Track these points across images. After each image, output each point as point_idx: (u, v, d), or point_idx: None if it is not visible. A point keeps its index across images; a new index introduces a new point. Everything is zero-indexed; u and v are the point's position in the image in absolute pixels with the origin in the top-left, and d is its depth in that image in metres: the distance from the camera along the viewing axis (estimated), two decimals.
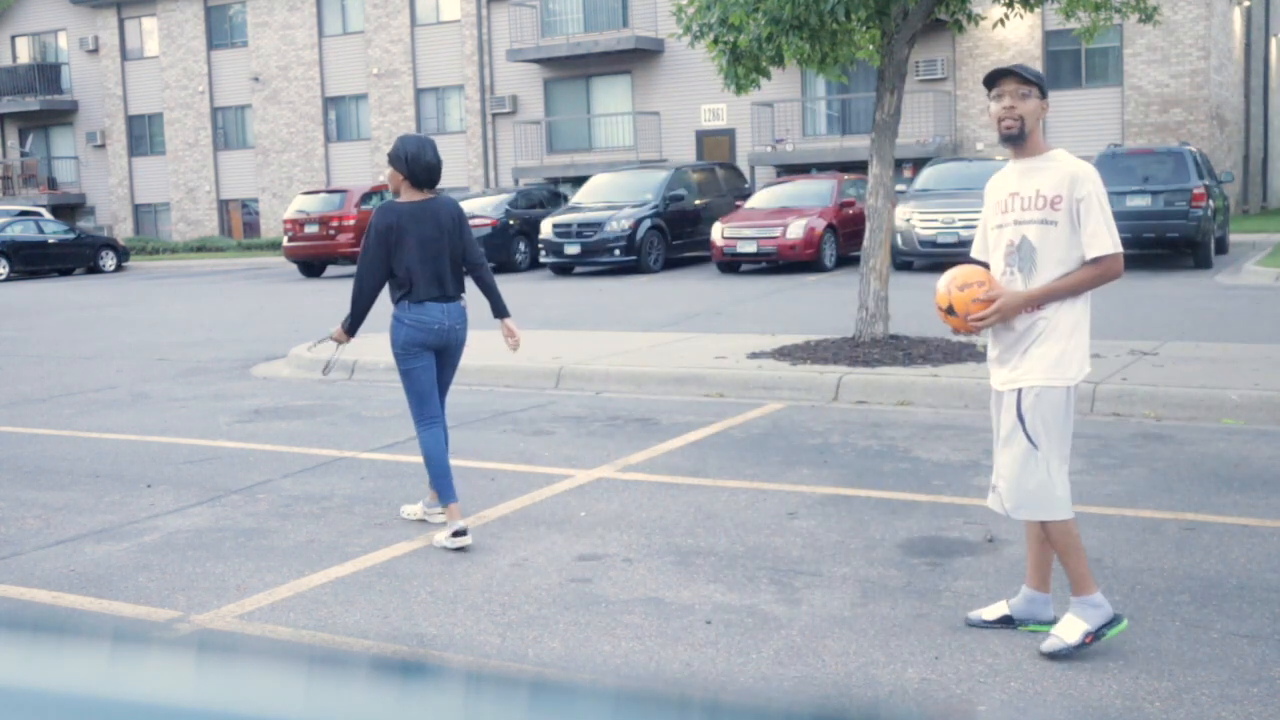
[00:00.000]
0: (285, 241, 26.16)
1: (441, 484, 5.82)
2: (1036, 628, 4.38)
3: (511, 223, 24.36)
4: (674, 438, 7.91)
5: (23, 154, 43.10)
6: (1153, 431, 7.64)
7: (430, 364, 5.89)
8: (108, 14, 41.06)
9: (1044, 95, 4.29)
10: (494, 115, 35.11)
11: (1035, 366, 4.23)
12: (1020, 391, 4.24)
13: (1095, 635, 4.14)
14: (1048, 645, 4.16)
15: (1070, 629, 4.16)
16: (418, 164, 5.75)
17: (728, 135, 32.30)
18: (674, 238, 22.87)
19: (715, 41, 10.79)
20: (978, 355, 9.78)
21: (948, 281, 4.33)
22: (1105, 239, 4.19)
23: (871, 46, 11.14)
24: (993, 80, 4.28)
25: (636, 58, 32.79)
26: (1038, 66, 28.86)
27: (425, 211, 5.83)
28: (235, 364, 12.29)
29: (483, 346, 11.81)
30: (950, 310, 4.31)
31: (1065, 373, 4.21)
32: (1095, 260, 4.19)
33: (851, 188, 21.71)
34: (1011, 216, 4.29)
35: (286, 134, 38.32)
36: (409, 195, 5.84)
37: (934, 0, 10.44)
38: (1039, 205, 4.23)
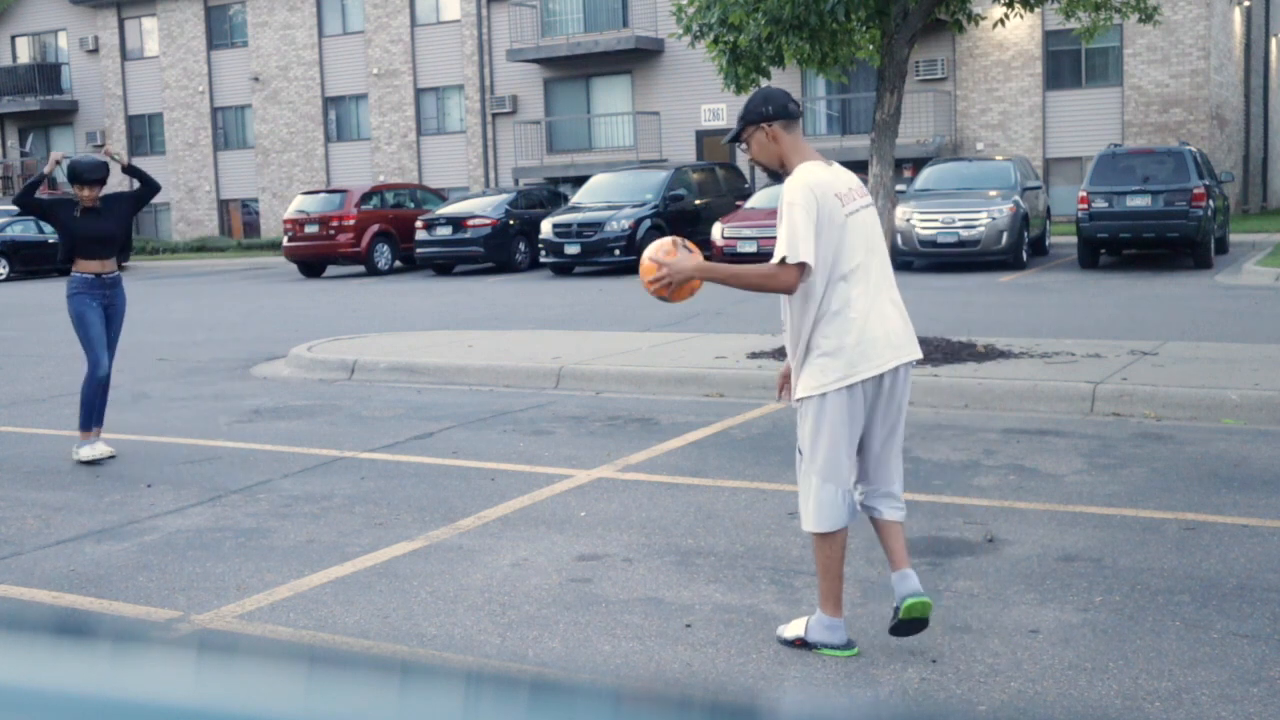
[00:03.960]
0: (285, 241, 26.13)
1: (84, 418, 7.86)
2: (908, 603, 4.41)
3: (511, 223, 24.35)
4: (674, 438, 7.91)
5: (23, 154, 43.09)
6: (1153, 431, 7.64)
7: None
8: (108, 14, 41.06)
9: (760, 120, 4.30)
10: (494, 115, 35.11)
11: (800, 383, 4.28)
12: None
13: (807, 644, 4.25)
14: (780, 629, 4.40)
15: (794, 627, 4.34)
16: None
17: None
18: None
19: (715, 41, 10.79)
20: (977, 355, 9.78)
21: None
22: (780, 244, 4.13)
23: (871, 46, 11.14)
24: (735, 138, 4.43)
25: (636, 58, 32.79)
26: (1037, 67, 28.97)
27: None
28: (235, 364, 12.29)
29: (483, 346, 11.82)
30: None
31: (818, 380, 4.19)
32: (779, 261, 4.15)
33: None
34: None
35: (286, 134, 38.32)
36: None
37: (934, 0, 10.44)
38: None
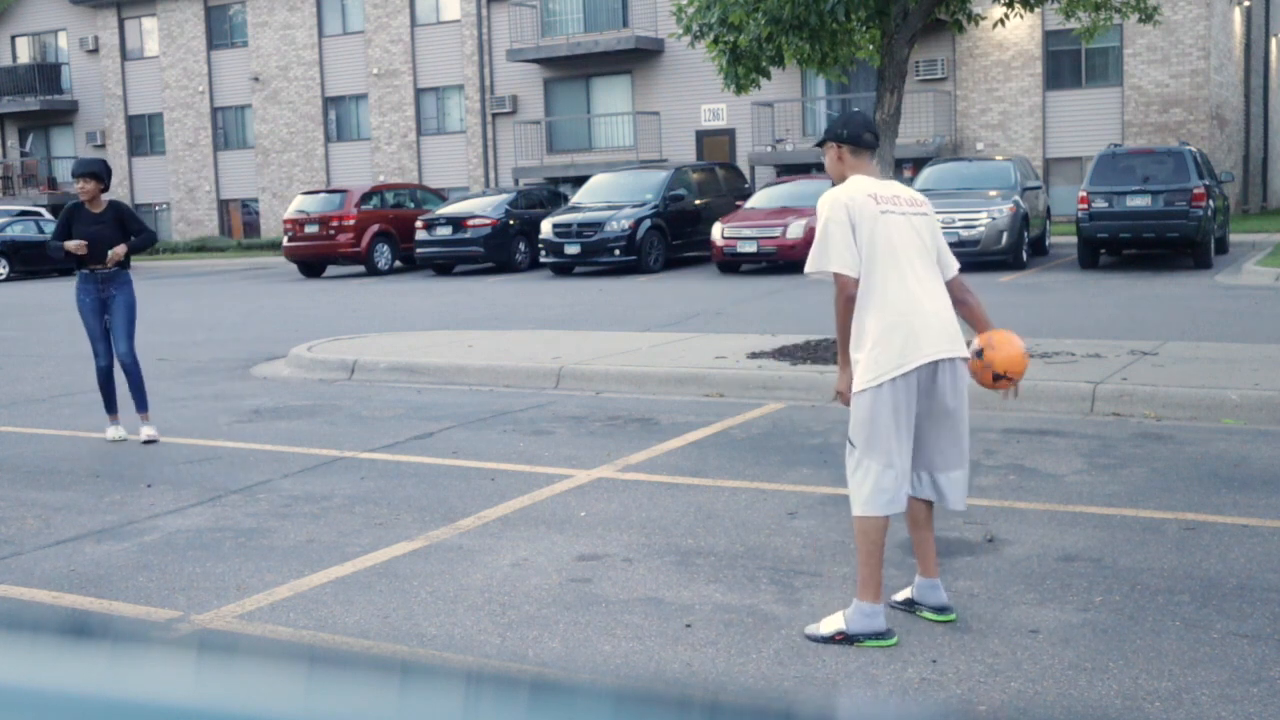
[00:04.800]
0: (285, 241, 26.14)
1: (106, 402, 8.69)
2: (927, 614, 4.52)
3: (511, 223, 24.35)
4: (674, 438, 7.91)
5: (23, 154, 43.09)
6: (1153, 431, 7.63)
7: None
8: (108, 14, 41.06)
9: (833, 139, 4.57)
10: (494, 115, 35.12)
11: (856, 377, 4.42)
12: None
13: (849, 639, 4.28)
14: (809, 628, 4.41)
15: (830, 623, 4.35)
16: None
17: (728, 135, 32.30)
18: (674, 238, 22.87)
19: (715, 41, 10.79)
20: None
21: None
22: (813, 258, 4.44)
23: (871, 46, 11.14)
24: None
25: (636, 58, 32.80)
26: (1037, 67, 28.99)
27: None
28: (235, 364, 12.29)
29: (483, 346, 11.82)
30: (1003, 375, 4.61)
31: (872, 374, 4.32)
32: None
33: None
34: None
35: (286, 134, 38.32)
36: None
37: (934, 0, 10.44)
38: None
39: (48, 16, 42.56)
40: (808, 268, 4.47)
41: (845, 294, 4.36)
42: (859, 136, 4.55)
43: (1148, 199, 18.24)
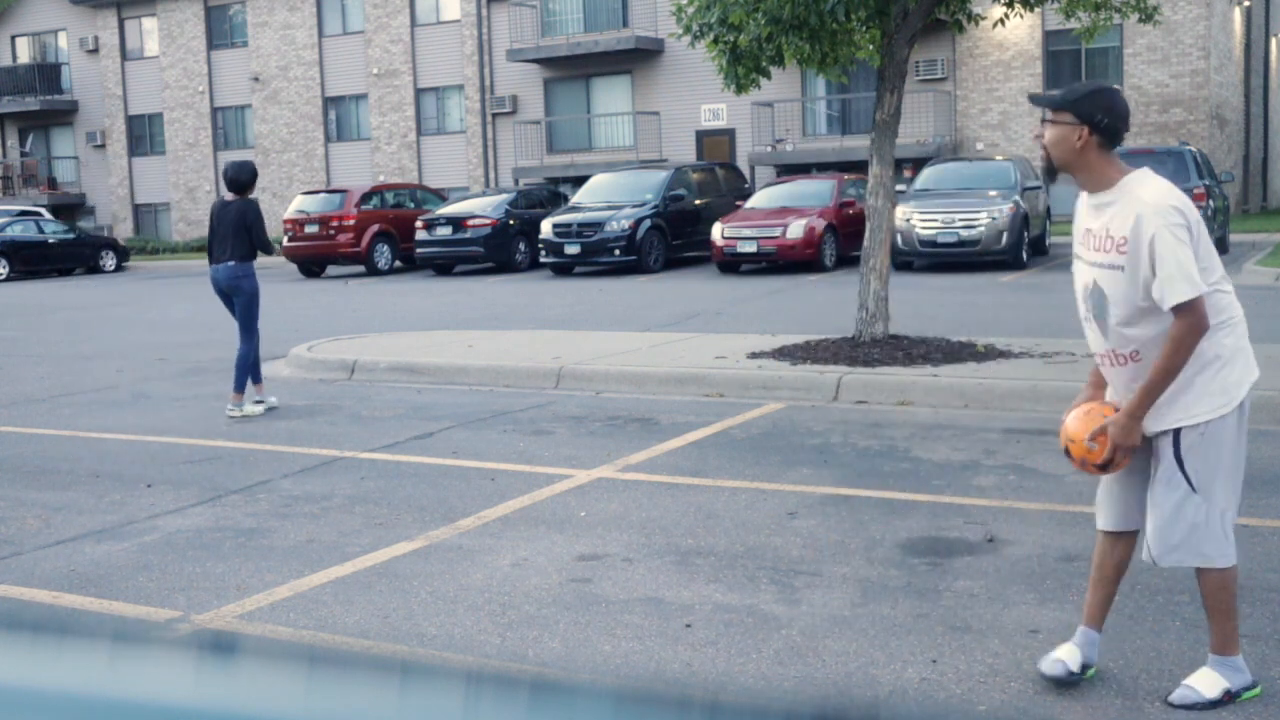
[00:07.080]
0: (285, 241, 26.12)
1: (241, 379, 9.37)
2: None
3: (511, 223, 24.35)
4: (674, 438, 7.91)
5: (23, 154, 43.08)
6: None
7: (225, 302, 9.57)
8: (108, 14, 41.06)
9: (1083, 120, 3.70)
10: (494, 115, 35.12)
11: (1190, 408, 3.88)
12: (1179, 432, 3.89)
13: (1233, 695, 3.78)
14: (1179, 698, 3.76)
15: (1209, 683, 3.78)
16: (225, 179, 9.36)
17: (728, 135, 32.30)
18: (674, 238, 22.87)
19: (715, 41, 10.78)
20: (978, 355, 9.78)
21: (1069, 428, 3.94)
22: (1179, 284, 3.56)
23: (871, 46, 11.14)
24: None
25: (636, 58, 32.79)
26: (1037, 67, 28.96)
27: (227, 207, 9.33)
28: None
29: (483, 346, 11.82)
30: (1066, 452, 3.99)
31: (1218, 400, 3.94)
32: (1175, 310, 3.59)
33: (851, 188, 21.71)
34: (1085, 256, 3.86)
35: (286, 134, 38.32)
36: (228, 196, 9.38)
37: (934, 0, 10.43)
38: (1107, 248, 3.72)
39: (48, 16, 42.56)
40: (1185, 295, 3.55)
41: (1204, 327, 3.65)
42: (1118, 131, 3.76)
43: None
